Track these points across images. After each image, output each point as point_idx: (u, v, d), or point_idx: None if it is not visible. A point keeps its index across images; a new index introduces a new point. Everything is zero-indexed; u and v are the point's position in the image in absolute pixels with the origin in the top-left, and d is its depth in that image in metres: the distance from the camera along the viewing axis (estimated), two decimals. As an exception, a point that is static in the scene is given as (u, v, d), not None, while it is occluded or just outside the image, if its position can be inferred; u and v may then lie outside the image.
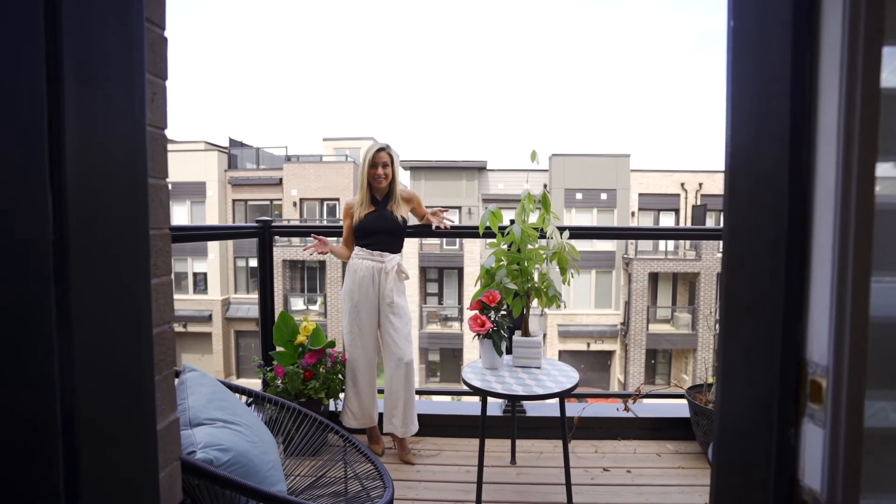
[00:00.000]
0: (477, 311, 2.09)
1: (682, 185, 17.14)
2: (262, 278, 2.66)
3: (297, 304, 17.81)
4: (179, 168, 18.07)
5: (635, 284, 15.83)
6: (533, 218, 2.21)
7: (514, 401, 2.34)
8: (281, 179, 18.04)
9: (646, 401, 2.68)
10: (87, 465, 0.62)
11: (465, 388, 1.96)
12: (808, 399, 0.47)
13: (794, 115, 0.48)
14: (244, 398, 1.85)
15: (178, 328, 18.26)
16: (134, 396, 0.73)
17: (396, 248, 2.37)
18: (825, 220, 0.45)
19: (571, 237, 2.41)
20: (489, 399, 1.90)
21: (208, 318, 17.98)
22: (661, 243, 17.03)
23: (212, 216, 17.85)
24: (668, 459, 2.32)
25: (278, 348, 2.43)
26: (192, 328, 18.25)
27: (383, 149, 2.32)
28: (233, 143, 19.59)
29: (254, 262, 18.22)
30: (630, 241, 16.86)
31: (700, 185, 17.08)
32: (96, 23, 0.63)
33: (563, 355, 17.48)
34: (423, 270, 18.27)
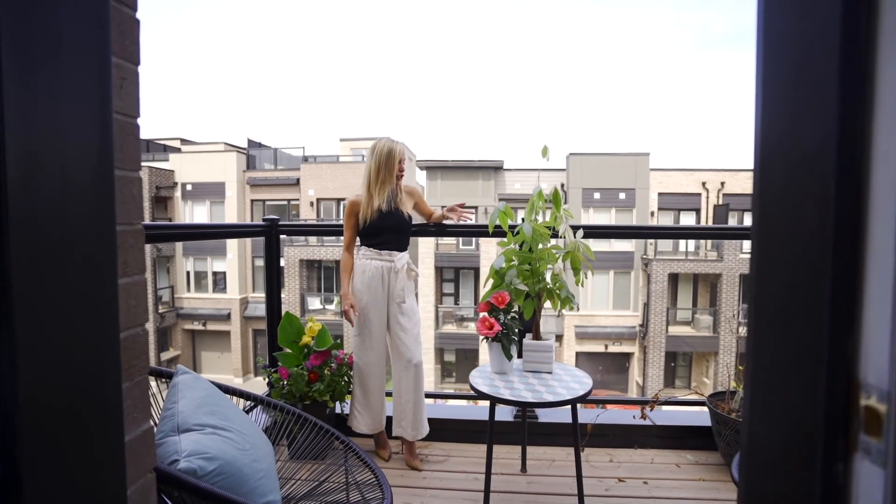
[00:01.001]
0: (485, 314, 2.01)
1: (704, 184, 16.73)
2: (269, 277, 2.62)
3: (314, 303, 17.92)
4: (200, 169, 18.39)
5: (654, 285, 15.50)
6: (546, 216, 2.12)
7: (522, 407, 2.25)
8: (298, 180, 18.19)
9: (664, 407, 2.56)
10: (31, 479, 0.56)
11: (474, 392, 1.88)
12: (863, 430, 0.38)
13: (844, 81, 0.39)
14: (245, 402, 1.81)
15: (197, 326, 18.59)
16: (95, 405, 0.67)
17: (404, 246, 2.30)
18: (885, 207, 0.36)
19: (586, 236, 2.31)
20: (500, 404, 1.82)
21: (227, 317, 18.22)
22: (682, 244, 16.66)
23: (231, 216, 18.09)
24: (687, 471, 2.20)
25: (286, 349, 2.39)
26: (211, 326, 18.52)
27: (404, 146, 2.28)
28: (251, 143, 19.85)
29: (272, 262, 18.41)
30: (649, 241, 16.53)
31: (722, 184, 16.65)
32: (44, -5, 0.57)
33: (581, 357, 17.24)
34: (440, 270, 18.21)
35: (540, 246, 2.08)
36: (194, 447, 1.06)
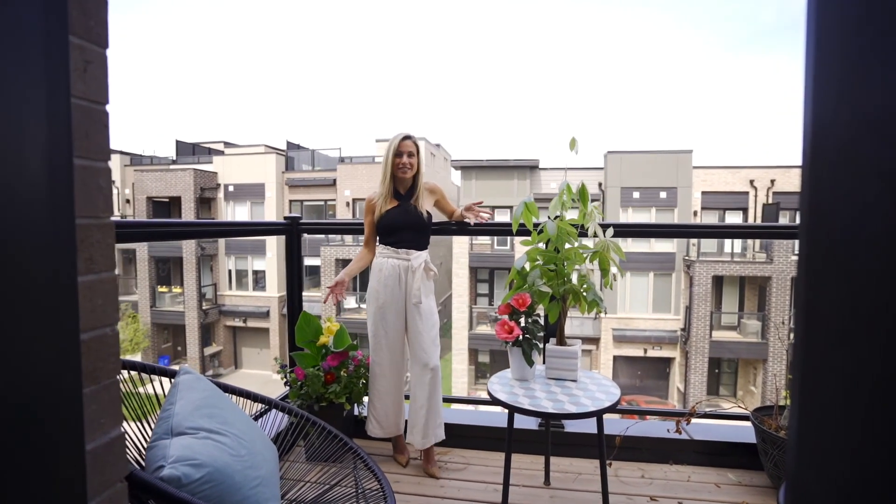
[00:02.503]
0: (505, 317, 1.90)
1: (752, 181, 15.86)
2: (290, 276, 2.60)
3: (350, 302, 18.19)
4: (242, 170, 19.02)
5: (697, 288, 14.81)
6: (574, 214, 1.99)
7: (542, 418, 2.12)
8: (335, 180, 18.51)
9: (705, 420, 2.37)
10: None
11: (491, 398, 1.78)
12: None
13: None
14: (258, 405, 1.78)
15: (238, 323, 19.22)
16: (49, 412, 0.62)
17: (423, 245, 2.22)
18: None
19: (619, 235, 2.16)
20: (518, 413, 1.71)
21: (266, 315, 18.76)
22: (727, 245, 15.84)
23: (270, 216, 18.61)
24: (729, 492, 2.02)
25: (306, 349, 2.36)
26: (251, 323, 19.12)
27: (409, 137, 2.17)
28: (290, 145, 20.35)
29: (310, 261, 18.84)
30: (692, 242, 15.83)
31: (772, 181, 15.74)
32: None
33: (619, 361, 16.72)
34: (474, 271, 18.10)
35: (567, 245, 1.96)
36: (183, 452, 1.01)
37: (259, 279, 19.42)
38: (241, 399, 1.67)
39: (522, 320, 1.88)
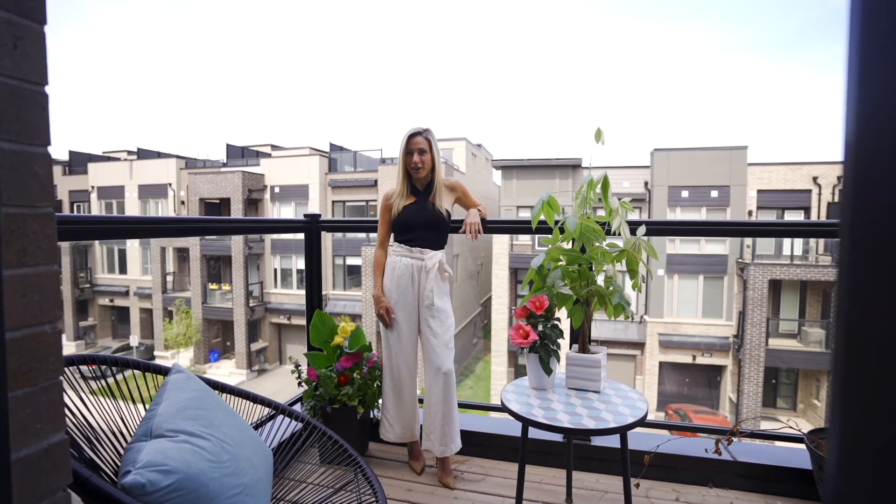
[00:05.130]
0: (522, 320, 1.77)
1: (815, 179, 14.74)
2: (309, 274, 2.57)
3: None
4: (287, 172, 19.63)
5: (751, 292, 13.89)
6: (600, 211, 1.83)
7: (556, 433, 1.97)
8: (376, 181, 18.74)
9: (750, 439, 2.14)
10: None
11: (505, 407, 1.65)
12: None
13: None
14: (266, 410, 1.73)
15: (283, 320, 19.82)
16: (-38, 419, 0.57)
17: (439, 245, 2.12)
18: None
19: (653, 234, 1.99)
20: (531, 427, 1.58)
21: (309, 312, 19.22)
22: (786, 247, 14.76)
23: (313, 217, 19.06)
24: (776, 521, 1.80)
25: (322, 350, 2.31)
26: (295, 321, 19.67)
27: (419, 133, 2.06)
28: (333, 147, 20.81)
29: (352, 260, 19.19)
30: (746, 244, 14.90)
31: (839, 178, 14.55)
32: None
33: (665, 367, 15.98)
34: (514, 272, 17.82)
35: (595, 244, 1.80)
36: (153, 458, 0.95)
37: (303, 278, 19.97)
38: (250, 403, 1.62)
39: (540, 325, 1.74)
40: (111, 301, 22.78)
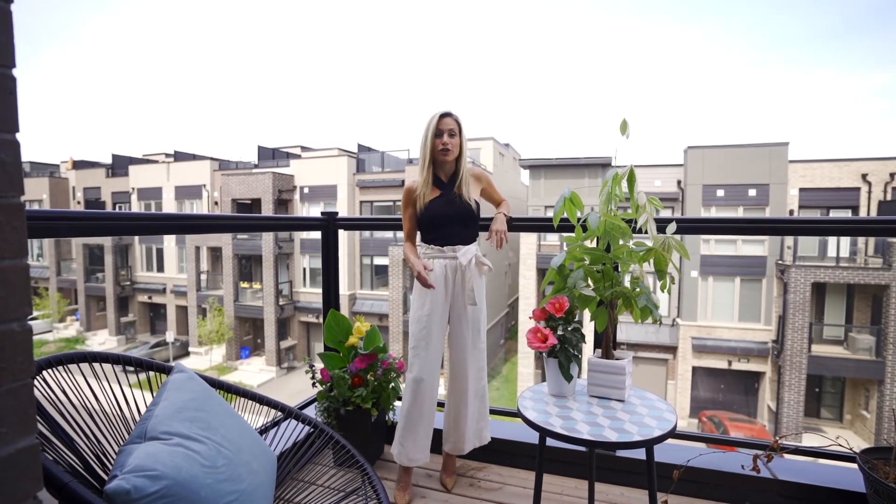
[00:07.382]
0: (540, 323, 1.67)
1: (864, 176, 13.91)
2: (327, 272, 2.54)
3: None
4: (316, 173, 19.94)
5: (793, 296, 13.22)
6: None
7: (573, 444, 1.86)
8: (403, 181, 18.80)
9: (793, 456, 1.97)
10: None
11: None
12: None
13: None
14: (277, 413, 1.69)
15: (311, 319, 20.13)
16: None
17: (471, 238, 1.97)
18: None
19: (683, 231, 1.86)
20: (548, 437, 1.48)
21: (336, 311, 19.46)
22: (831, 248, 13.98)
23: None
24: (821, 547, 1.64)
25: (338, 350, 2.27)
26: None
27: (449, 114, 1.89)
28: (361, 148, 21.01)
29: (379, 260, 19.32)
30: (787, 245, 14.21)
31: (892, 175, 13.71)
32: None
33: (699, 372, 15.42)
34: (542, 272, 17.55)
35: (621, 242, 1.68)
36: (142, 462, 0.91)
37: (331, 277, 20.22)
38: (259, 406, 1.59)
39: (560, 328, 1.64)
40: (149, 298, 23.67)
